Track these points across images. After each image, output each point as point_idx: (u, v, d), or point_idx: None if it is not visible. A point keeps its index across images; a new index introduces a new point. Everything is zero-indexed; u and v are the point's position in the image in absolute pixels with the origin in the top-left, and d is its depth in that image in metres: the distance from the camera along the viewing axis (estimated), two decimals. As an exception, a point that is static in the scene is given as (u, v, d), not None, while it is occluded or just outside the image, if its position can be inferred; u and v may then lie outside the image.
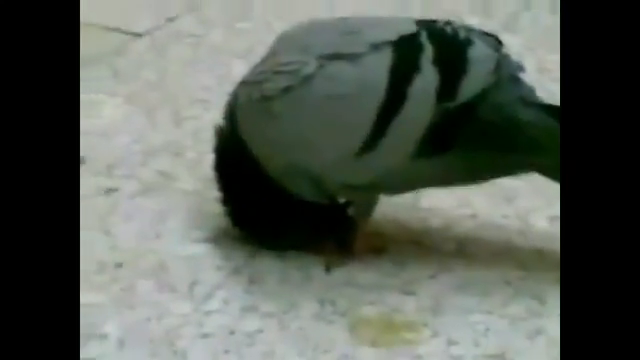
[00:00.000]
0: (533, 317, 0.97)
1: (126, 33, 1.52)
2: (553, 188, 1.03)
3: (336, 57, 0.98)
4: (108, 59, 1.44)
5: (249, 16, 1.58)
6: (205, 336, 0.94)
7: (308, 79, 0.98)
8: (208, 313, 0.97)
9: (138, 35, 1.51)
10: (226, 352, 0.92)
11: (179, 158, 1.20)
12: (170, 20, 1.56)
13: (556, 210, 1.10)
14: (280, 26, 1.08)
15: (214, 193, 1.06)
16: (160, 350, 0.92)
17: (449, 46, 1.00)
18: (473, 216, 1.12)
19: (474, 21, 1.45)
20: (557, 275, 1.01)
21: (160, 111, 1.31)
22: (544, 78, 1.36)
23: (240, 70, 1.06)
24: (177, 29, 1.54)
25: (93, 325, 0.94)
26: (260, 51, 1.05)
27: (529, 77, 1.05)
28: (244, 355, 0.91)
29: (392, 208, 1.08)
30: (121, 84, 1.38)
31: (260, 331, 0.94)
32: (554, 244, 1.07)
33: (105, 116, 1.30)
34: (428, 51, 0.98)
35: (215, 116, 1.05)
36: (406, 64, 0.98)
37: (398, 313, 0.97)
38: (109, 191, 1.14)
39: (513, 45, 1.26)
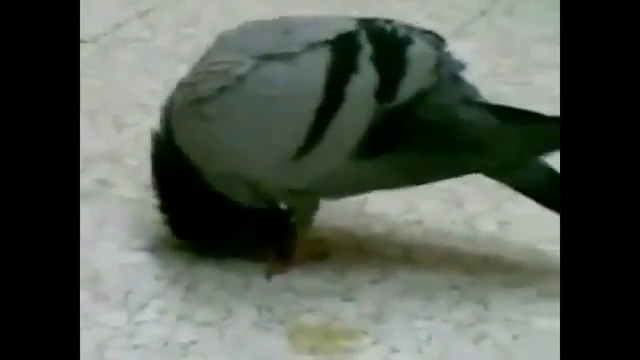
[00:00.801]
0: (478, 322, 0.97)
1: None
2: (502, 191, 1.05)
3: (271, 57, 0.98)
4: (50, 65, 1.44)
5: (196, 21, 1.60)
6: (136, 347, 0.93)
7: (241, 79, 0.97)
8: (141, 323, 0.96)
9: (83, 42, 1.51)
10: (156, 364, 0.92)
11: (118, 165, 1.21)
12: (117, 26, 1.58)
13: (505, 214, 1.13)
14: (225, 27, 1.08)
15: (152, 200, 1.06)
16: (90, 362, 0.91)
17: (388, 45, 1.00)
18: (419, 222, 1.13)
19: (428, 26, 1.48)
20: (503, 279, 1.04)
21: (101, 117, 1.32)
22: (497, 82, 1.39)
23: (185, 73, 1.06)
24: (124, 35, 1.56)
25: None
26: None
27: (482, 81, 1.06)
28: (170, 368, 0.92)
29: (335, 214, 1.09)
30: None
31: (195, 342, 0.94)
32: (501, 249, 1.09)
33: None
34: (367, 50, 0.98)
35: (155, 122, 1.05)
36: (344, 64, 0.98)
37: (337, 320, 0.97)
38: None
39: (467, 50, 1.28)
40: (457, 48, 1.07)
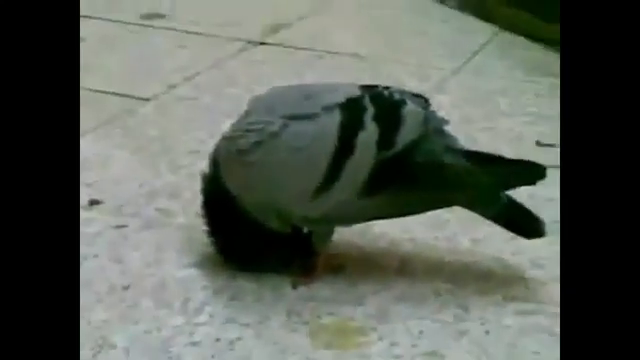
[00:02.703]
0: (459, 322, 0.97)
1: (135, 98, 1.51)
2: (473, 217, 1.03)
3: (296, 117, 0.98)
4: (120, 120, 1.43)
5: (234, 83, 1.58)
6: (195, 344, 0.92)
7: (274, 135, 0.97)
8: (197, 325, 0.95)
9: (146, 100, 1.51)
10: (212, 357, 0.90)
11: (176, 199, 1.19)
12: (171, 87, 1.56)
13: (477, 233, 1.11)
14: (259, 89, 1.07)
15: (203, 227, 1.05)
16: (158, 356, 0.90)
17: (386, 106, 0.99)
18: (412, 240, 1.11)
19: (413, 84, 1.47)
20: (479, 287, 1.03)
21: (161, 160, 1.30)
22: (470, 128, 1.37)
23: (226, 127, 1.05)
24: (176, 95, 1.54)
25: (104, 337, 0.93)
26: (242, 111, 1.04)
27: (457, 127, 1.05)
28: (226, 359, 0.90)
29: (348, 234, 1.07)
30: (129, 140, 1.36)
31: (239, 339, 0.93)
32: (475, 261, 1.08)
33: (115, 166, 1.29)
34: (370, 111, 0.98)
35: (205, 165, 1.04)
36: (352, 122, 0.98)
37: (350, 321, 0.96)
38: (119, 227, 1.13)
39: (444, 102, 1.28)
40: (437, 101, 1.08)
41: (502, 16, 1.88)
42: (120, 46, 1.76)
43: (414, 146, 0.98)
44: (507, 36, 1.84)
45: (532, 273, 1.05)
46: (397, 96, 1.01)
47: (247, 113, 1.02)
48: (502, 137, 1.38)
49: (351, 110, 0.98)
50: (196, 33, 1.82)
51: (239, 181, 1.00)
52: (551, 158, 1.22)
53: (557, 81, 1.62)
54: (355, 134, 0.97)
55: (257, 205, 1.00)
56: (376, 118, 0.98)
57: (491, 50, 1.77)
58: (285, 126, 0.97)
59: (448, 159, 0.99)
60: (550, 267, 1.06)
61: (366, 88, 1.01)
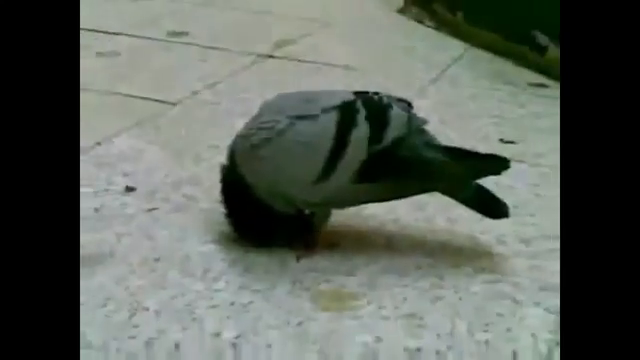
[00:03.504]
0: (435, 289, 0.96)
1: (164, 102, 1.50)
2: (449, 201, 1.03)
3: (300, 117, 0.97)
4: (151, 120, 1.42)
5: (248, 89, 1.57)
6: (214, 307, 0.92)
7: (281, 132, 0.97)
8: (216, 291, 0.95)
9: (173, 104, 1.50)
10: (228, 317, 0.90)
11: (198, 186, 1.18)
12: (194, 93, 1.55)
13: (451, 215, 1.10)
14: (268, 95, 1.07)
15: (221, 209, 1.04)
16: (183, 317, 0.90)
17: (376, 108, 0.99)
18: (396, 220, 1.11)
19: (397, 91, 1.46)
20: (453, 260, 1.02)
21: (186, 154, 1.29)
22: (445, 127, 1.36)
23: (240, 126, 1.04)
24: (199, 99, 1.53)
25: (138, 302, 0.92)
26: (254, 113, 1.04)
27: (435, 127, 1.05)
28: (241, 319, 0.90)
29: (342, 216, 1.07)
30: (159, 136, 1.36)
31: (251, 302, 0.93)
32: (451, 238, 1.07)
33: (147, 159, 1.28)
34: (362, 112, 0.97)
35: (223, 158, 1.04)
36: (347, 121, 0.97)
37: (345, 288, 0.96)
38: (151, 210, 1.12)
39: (424, 106, 1.27)
40: (418, 105, 1.06)
41: (471, 35, 1.88)
42: (150, 59, 1.74)
43: (399, 142, 0.97)
44: (476, 51, 1.83)
45: (497, 249, 1.05)
46: (385, 100, 1.00)
47: (258, 114, 1.02)
48: (472, 135, 1.38)
49: (346, 111, 0.97)
50: (214, 48, 1.81)
51: (252, 171, 0.99)
52: (512, 152, 1.23)
53: (516, 89, 1.64)
54: (349, 131, 0.96)
55: (267, 191, 0.99)
56: (367, 118, 0.97)
57: (462, 63, 1.77)
58: (291, 125, 0.97)
59: (428, 153, 0.98)
60: (512, 244, 1.06)
61: (358, 94, 1.01)
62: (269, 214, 1.01)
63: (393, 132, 0.97)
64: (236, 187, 1.01)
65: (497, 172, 1.01)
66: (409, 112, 1.01)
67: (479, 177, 1.01)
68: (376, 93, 1.02)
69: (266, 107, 1.02)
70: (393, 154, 0.97)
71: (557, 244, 1.04)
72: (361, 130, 0.96)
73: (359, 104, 0.98)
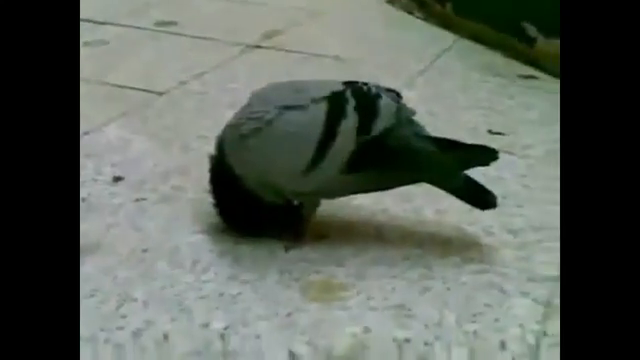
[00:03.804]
0: (424, 280, 0.96)
1: (152, 92, 1.49)
2: (437, 192, 1.03)
3: (289, 107, 0.97)
4: (139, 110, 1.42)
5: (235, 79, 1.57)
6: (203, 297, 0.92)
7: (270, 122, 0.96)
8: (205, 282, 0.95)
9: (160, 94, 1.49)
10: (217, 308, 0.90)
11: (186, 176, 1.18)
12: (182, 83, 1.54)
13: (440, 206, 1.10)
14: (257, 85, 1.06)
15: (210, 200, 1.04)
16: (172, 308, 0.90)
17: (365, 99, 0.98)
18: (385, 211, 1.11)
19: (386, 82, 1.46)
20: (441, 251, 1.02)
21: (174, 144, 1.29)
22: (434, 119, 1.35)
23: (229, 116, 1.04)
24: (187, 89, 1.52)
25: (126, 292, 0.92)
26: (243, 103, 1.03)
27: (423, 118, 1.04)
28: (229, 310, 0.90)
29: (331, 207, 1.06)
30: (147, 127, 1.35)
31: (240, 294, 0.93)
32: (439, 229, 1.07)
33: (135, 149, 1.27)
34: (351, 102, 0.97)
35: (212, 148, 1.03)
36: (336, 111, 0.96)
37: (334, 279, 0.96)
38: (139, 200, 1.12)
39: (413, 97, 1.27)
40: (407, 96, 1.06)
41: (461, 26, 1.87)
42: (138, 48, 1.73)
43: (388, 132, 0.97)
44: (465, 43, 1.83)
45: (485, 240, 1.05)
46: (374, 90, 1.00)
47: (248, 104, 1.01)
48: (461, 126, 1.37)
49: (335, 102, 0.97)
50: (203, 38, 1.80)
51: (241, 161, 0.99)
52: (501, 144, 1.23)
53: (505, 81, 1.64)
54: (338, 122, 0.96)
55: (256, 181, 0.99)
56: (356, 109, 0.96)
57: (452, 55, 1.76)
58: (279, 115, 0.96)
59: (417, 144, 0.98)
60: (500, 235, 1.06)
61: (348, 84, 1.00)
62: (258, 204, 1.00)
63: (382, 122, 0.97)
64: (225, 177, 1.01)
65: (485, 163, 1.01)
66: (398, 102, 1.00)
67: (467, 168, 1.01)
68: (365, 83, 1.01)
69: (255, 97, 1.02)
70: (382, 144, 0.97)
71: (545, 235, 1.06)
72: (350, 120, 0.96)
73: (348, 94, 0.98)
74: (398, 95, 1.02)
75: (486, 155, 1.01)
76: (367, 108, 0.97)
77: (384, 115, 0.97)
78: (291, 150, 0.96)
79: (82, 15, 1.80)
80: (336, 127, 0.96)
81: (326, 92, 0.98)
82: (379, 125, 0.97)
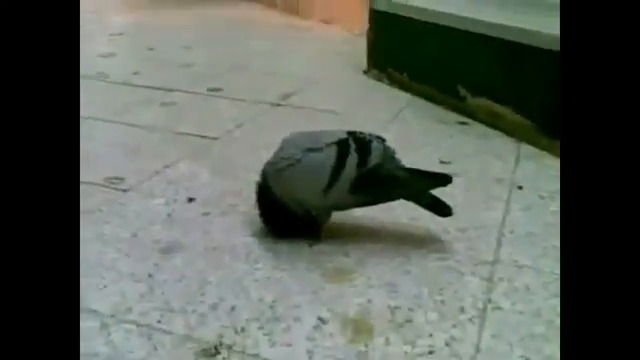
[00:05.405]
0: (405, 265, 0.96)
1: (208, 138, 1.48)
2: (411, 205, 1.02)
3: (310, 150, 0.97)
4: (201, 151, 1.41)
5: (266, 128, 1.55)
6: (256, 280, 0.92)
7: (298, 160, 0.97)
8: (256, 269, 0.95)
9: (215, 138, 1.48)
10: (266, 288, 0.90)
11: (239, 197, 1.17)
12: (229, 131, 1.53)
13: (413, 214, 1.08)
14: (281, 132, 1.05)
15: (256, 212, 1.04)
16: (235, 287, 0.90)
17: (362, 143, 0.99)
18: (374, 218, 1.09)
19: (368, 128, 1.45)
20: (415, 245, 1.01)
21: (227, 174, 1.27)
22: (402, 154, 1.24)
23: (263, 155, 1.04)
24: (233, 136, 1.51)
25: (203, 278, 0.91)
26: (275, 146, 1.03)
27: (399, 152, 1.03)
28: (275, 289, 0.90)
29: (339, 216, 1.06)
30: (208, 162, 1.34)
31: (281, 278, 0.93)
32: (414, 231, 1.06)
33: (201, 178, 1.26)
34: (353, 145, 0.97)
35: (256, 177, 1.03)
36: (343, 152, 0.97)
37: (344, 266, 0.96)
38: (206, 214, 1.12)
39: (389, 139, 1.26)
40: (385, 136, 1.05)
41: (414, 89, 1.88)
42: (197, 107, 1.73)
43: (378, 166, 0.98)
44: (418, 101, 1.83)
45: (444, 237, 1.05)
46: (368, 137, 1.01)
47: (280, 148, 1.01)
48: (421, 158, 1.36)
49: (342, 145, 0.98)
50: (240, 100, 1.79)
51: (278, 186, 0.99)
52: (449, 169, 1.23)
53: (447, 126, 1.63)
54: (345, 159, 0.96)
55: (289, 199, 0.99)
56: (357, 150, 0.97)
57: (410, 109, 1.76)
58: (304, 155, 0.97)
59: (398, 173, 0.99)
60: (454, 233, 1.06)
61: (350, 133, 1.01)
62: (290, 215, 1.00)
63: (374, 159, 0.98)
64: (267, 197, 1.01)
65: (444, 184, 1.02)
66: (384, 145, 1.01)
67: (432, 188, 1.02)
68: (362, 132, 1.02)
69: (285, 143, 1.02)
70: (374, 174, 0.97)
71: (483, 232, 1.06)
72: (353, 158, 0.97)
73: (350, 140, 0.98)
74: (383, 140, 1.03)
75: (444, 179, 1.02)
76: (364, 149, 0.98)
77: (375, 154, 0.98)
78: (313, 178, 0.97)
79: (158, 84, 1.85)
80: (344, 162, 0.96)
81: (335, 139, 0.98)
82: (372, 161, 0.97)
